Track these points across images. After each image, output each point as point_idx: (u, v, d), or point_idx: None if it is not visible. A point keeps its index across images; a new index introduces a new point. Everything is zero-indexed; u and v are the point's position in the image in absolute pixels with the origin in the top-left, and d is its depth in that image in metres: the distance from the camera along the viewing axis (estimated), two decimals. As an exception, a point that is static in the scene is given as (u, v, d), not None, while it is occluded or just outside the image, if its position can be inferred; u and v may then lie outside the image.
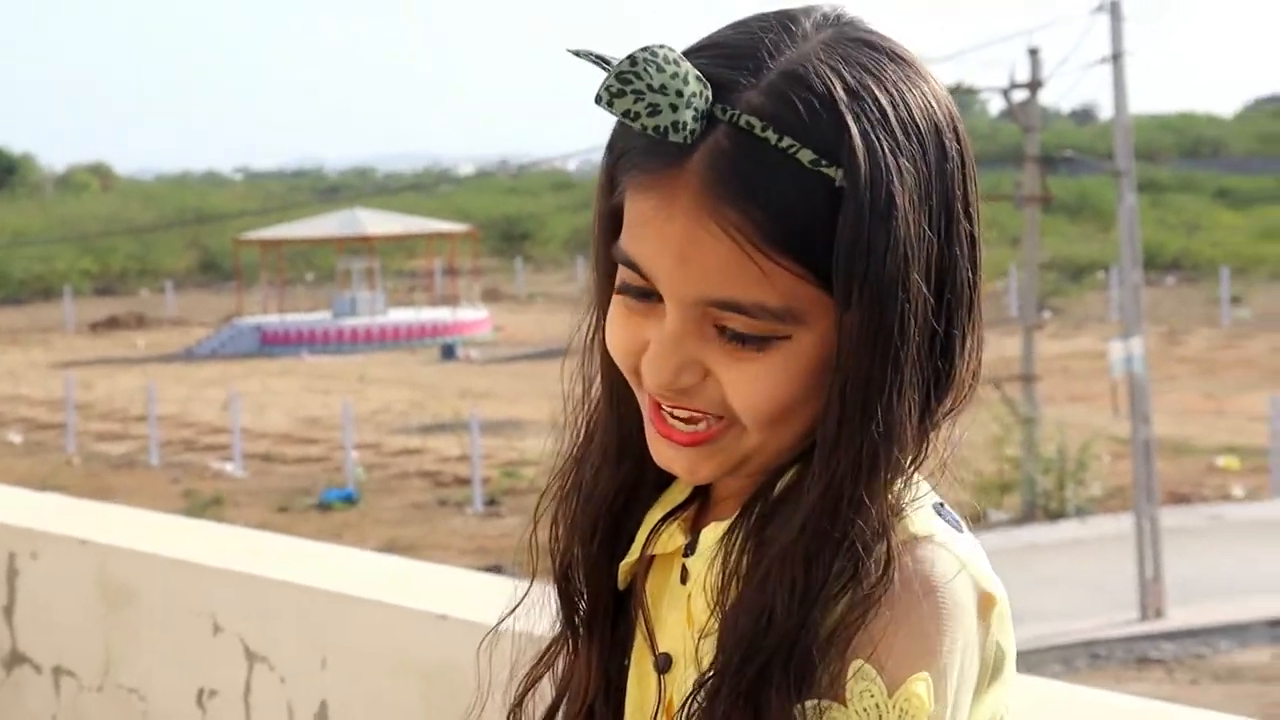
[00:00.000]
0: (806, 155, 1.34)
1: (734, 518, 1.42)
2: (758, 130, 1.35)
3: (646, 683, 1.48)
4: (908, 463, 1.38)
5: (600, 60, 1.37)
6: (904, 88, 1.39)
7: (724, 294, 1.36)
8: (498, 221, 63.66)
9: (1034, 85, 25.48)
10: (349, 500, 26.32)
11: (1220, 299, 46.50)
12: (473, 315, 46.38)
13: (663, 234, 1.37)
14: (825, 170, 1.34)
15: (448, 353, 41.71)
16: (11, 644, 3.60)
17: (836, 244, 1.33)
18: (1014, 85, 25.41)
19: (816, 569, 1.33)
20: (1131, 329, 21.95)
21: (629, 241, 1.40)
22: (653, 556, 1.50)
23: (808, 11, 1.42)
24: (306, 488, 27.92)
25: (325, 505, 26.30)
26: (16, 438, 35.74)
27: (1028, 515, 24.53)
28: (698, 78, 1.35)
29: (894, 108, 1.37)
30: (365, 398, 35.47)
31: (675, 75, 1.35)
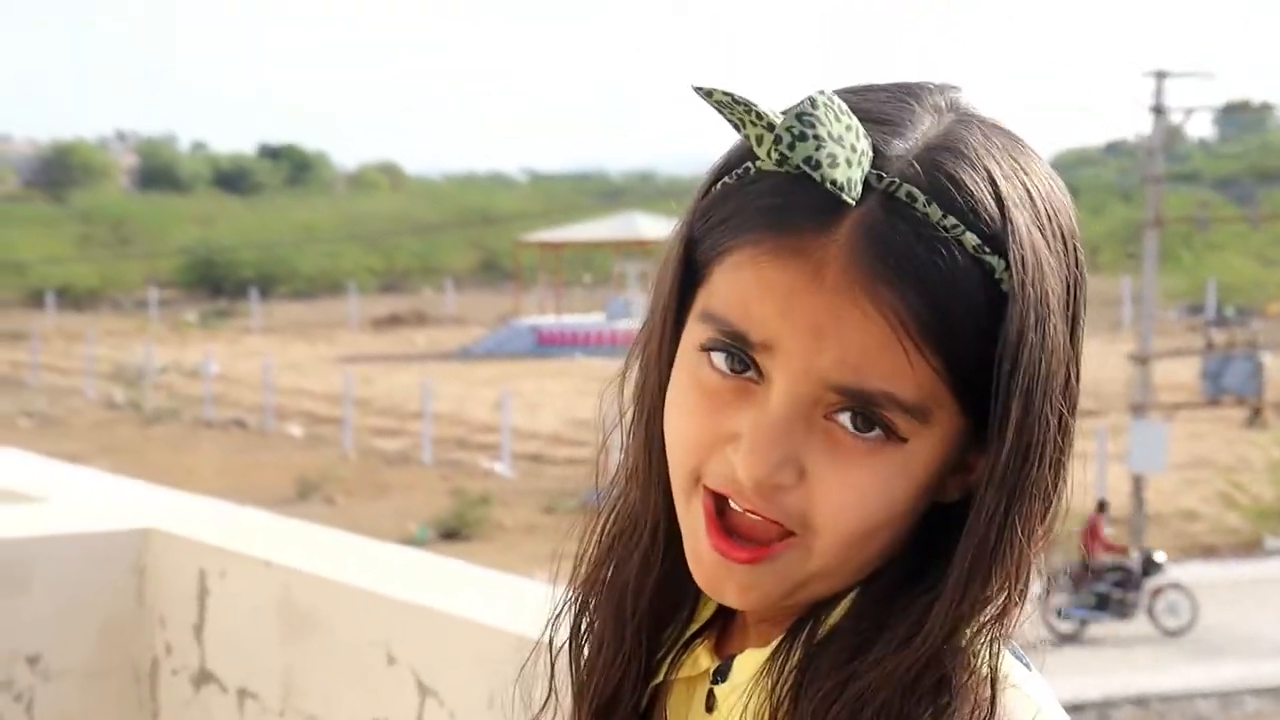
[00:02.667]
0: (971, 239, 1.19)
1: (776, 646, 1.26)
2: (920, 205, 1.19)
3: None
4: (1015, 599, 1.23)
5: (732, 100, 1.22)
6: (1048, 182, 1.25)
7: (857, 381, 1.19)
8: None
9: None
10: (614, 504, 26.48)
11: None
12: (746, 321, 46.39)
13: (800, 305, 1.19)
14: (988, 259, 1.19)
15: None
16: (200, 662, 3.58)
17: (1002, 349, 1.18)
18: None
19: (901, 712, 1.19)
20: None
21: (738, 304, 1.21)
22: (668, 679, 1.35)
23: (928, 87, 1.27)
24: (574, 489, 28.14)
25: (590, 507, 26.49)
26: (297, 431, 36.60)
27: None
28: (866, 135, 1.20)
29: (1042, 202, 1.23)
30: (636, 401, 35.68)
31: (850, 128, 1.20)
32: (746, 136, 1.22)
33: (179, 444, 35.13)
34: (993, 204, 1.20)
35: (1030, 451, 1.20)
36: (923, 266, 1.18)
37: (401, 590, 3.15)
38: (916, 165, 1.20)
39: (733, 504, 1.23)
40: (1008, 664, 1.22)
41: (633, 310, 45.38)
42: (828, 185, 1.18)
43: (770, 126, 1.21)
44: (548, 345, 44.80)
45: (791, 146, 1.19)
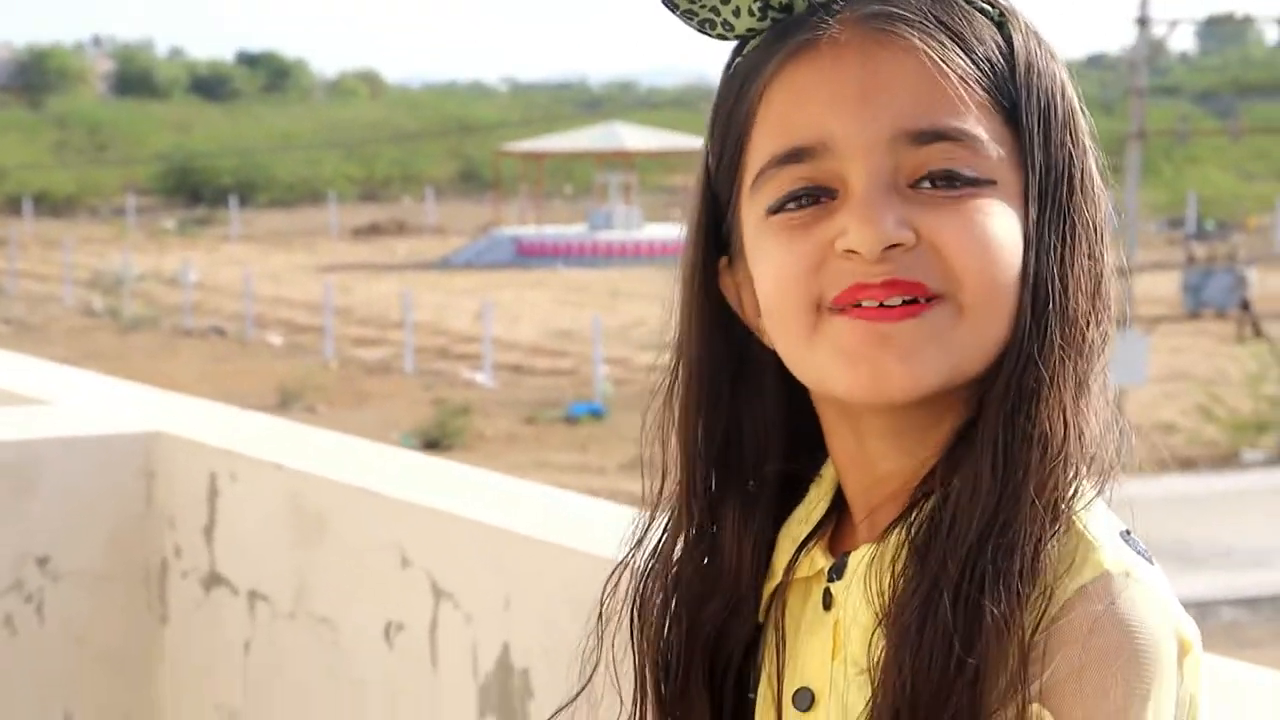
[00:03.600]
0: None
1: (883, 535, 1.27)
2: None
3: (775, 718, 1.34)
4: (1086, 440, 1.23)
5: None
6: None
7: (923, 121, 1.24)
8: (757, 139, 63.31)
9: None
10: (596, 414, 26.50)
11: None
12: (727, 232, 46.28)
13: (835, 83, 1.25)
14: (982, 3, 1.28)
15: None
16: (211, 564, 3.59)
17: (1016, 66, 1.26)
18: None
19: (993, 596, 1.18)
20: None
21: (781, 130, 1.27)
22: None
23: None
24: (555, 400, 28.17)
25: (572, 419, 26.51)
26: (276, 339, 36.53)
27: (1287, 456, 23.91)
28: None
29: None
30: (616, 312, 35.65)
31: None
32: (724, 22, 1.29)
33: (158, 352, 35.05)
34: None
35: (1058, 178, 1.25)
36: (930, 10, 1.26)
37: (415, 493, 3.16)
38: None
39: (865, 303, 1.25)
40: (1125, 557, 1.22)
41: (614, 221, 45.30)
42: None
43: None
44: (528, 256, 44.69)
45: None
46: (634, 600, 1.40)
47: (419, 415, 28.36)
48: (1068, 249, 1.25)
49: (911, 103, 1.23)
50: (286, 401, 29.33)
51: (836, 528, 1.36)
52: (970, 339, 1.24)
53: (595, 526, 2.93)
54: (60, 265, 45.28)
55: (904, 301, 1.23)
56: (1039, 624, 1.18)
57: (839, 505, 1.36)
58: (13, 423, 3.87)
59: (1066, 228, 1.25)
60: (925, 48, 1.23)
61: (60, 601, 3.70)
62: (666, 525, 1.38)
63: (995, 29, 1.27)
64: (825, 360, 1.27)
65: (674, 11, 1.29)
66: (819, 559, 1.34)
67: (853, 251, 1.24)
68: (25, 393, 4.25)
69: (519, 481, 3.26)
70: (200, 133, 71.32)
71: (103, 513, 3.71)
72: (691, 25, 1.30)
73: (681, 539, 1.38)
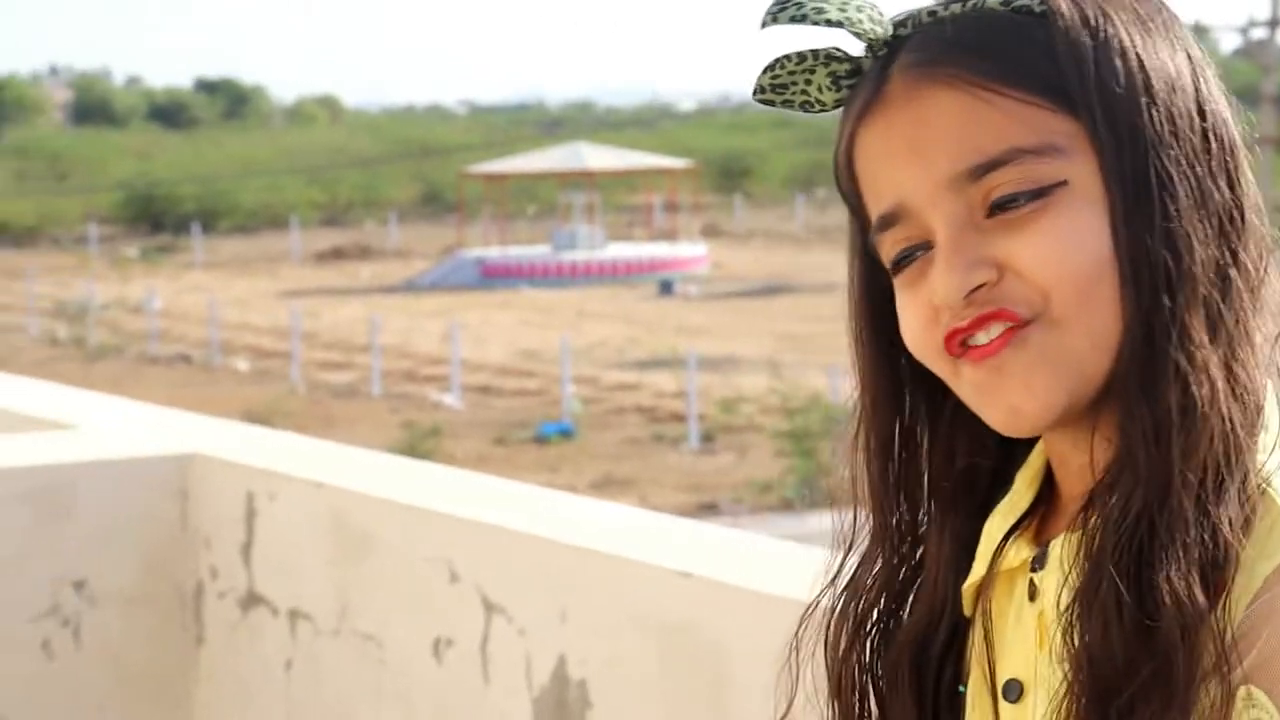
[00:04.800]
0: (995, 2, 1.29)
1: (1076, 519, 1.27)
2: (931, 13, 1.30)
3: (989, 712, 1.34)
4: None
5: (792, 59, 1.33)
6: None
7: (972, 157, 1.25)
8: (718, 157, 63.51)
9: (1274, 23, 24.82)
10: (566, 434, 26.48)
11: None
12: (691, 251, 46.36)
13: (889, 143, 1.28)
14: (1020, 2, 1.28)
15: (665, 288, 41.75)
16: (249, 584, 3.61)
17: (1059, 53, 1.26)
18: (1252, 23, 24.77)
19: (1166, 571, 1.18)
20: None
21: (871, 196, 1.31)
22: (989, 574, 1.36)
23: None
24: (524, 420, 28.12)
25: (542, 439, 26.48)
26: (243, 365, 36.43)
27: None
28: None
29: None
30: (583, 332, 35.65)
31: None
32: (818, 101, 1.34)
33: (124, 379, 34.91)
34: None
35: (1133, 140, 1.24)
36: (965, 36, 1.27)
37: (461, 508, 3.18)
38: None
39: (971, 342, 1.28)
40: None
41: (578, 241, 45.29)
42: (853, 32, 1.29)
43: (818, 57, 1.32)
44: (493, 277, 44.63)
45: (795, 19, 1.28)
46: (830, 630, 1.41)
47: (388, 438, 28.28)
48: (1166, 205, 1.24)
49: (958, 141, 1.26)
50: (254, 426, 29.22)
51: (1045, 516, 1.36)
52: (1080, 345, 1.25)
53: (648, 536, 2.95)
54: (23, 295, 45.09)
55: (1003, 330, 1.26)
56: (1239, 601, 1.17)
57: (1049, 493, 1.36)
58: (42, 447, 3.88)
59: (1157, 184, 1.24)
60: (963, 79, 1.26)
61: (97, 625, 3.70)
62: (863, 555, 1.40)
63: (1039, 21, 1.27)
64: (970, 399, 1.30)
65: (774, 105, 1.33)
66: (1024, 549, 1.34)
67: None
68: (50, 417, 4.26)
69: (563, 494, 3.29)
70: (160, 160, 71.11)
71: (137, 535, 3.72)
72: (796, 110, 1.34)
73: (880, 562, 1.39)
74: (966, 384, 1.29)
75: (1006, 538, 1.35)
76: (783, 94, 1.33)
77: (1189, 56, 1.29)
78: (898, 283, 1.31)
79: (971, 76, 1.26)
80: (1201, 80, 1.29)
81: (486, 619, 3.07)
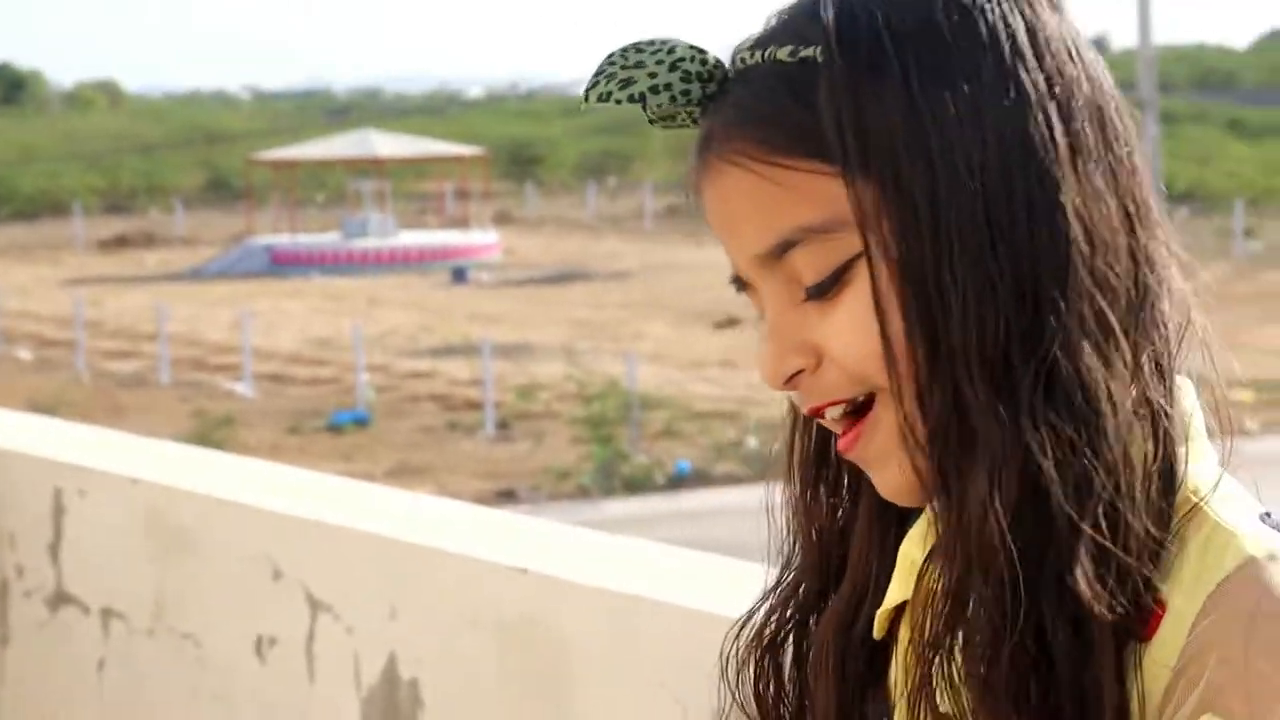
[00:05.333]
0: (783, 51, 1.19)
1: None
2: (741, 58, 1.22)
3: None
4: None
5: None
6: None
7: (767, 239, 1.19)
8: (508, 145, 63.33)
9: (1100, 42, 25.33)
10: (360, 422, 26.26)
11: (1233, 231, 46.29)
12: (483, 238, 46.22)
13: (710, 214, 1.23)
14: (805, 53, 1.18)
15: (458, 276, 41.56)
16: (57, 583, 3.48)
17: (822, 109, 1.16)
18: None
19: (1057, 620, 1.11)
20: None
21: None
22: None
23: None
24: (317, 409, 27.85)
25: (336, 427, 26.25)
26: (26, 354, 35.67)
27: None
28: (688, 46, 1.23)
29: None
30: (375, 320, 35.37)
31: (657, 51, 1.23)
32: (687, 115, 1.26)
33: (-99, 371, 34.02)
34: (808, 7, 1.20)
35: (897, 178, 1.15)
36: (750, 103, 1.20)
37: (284, 504, 3.09)
38: (760, 31, 1.23)
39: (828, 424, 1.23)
40: (1271, 540, 1.15)
41: (368, 228, 44.93)
42: (646, 111, 1.23)
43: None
44: (282, 265, 44.10)
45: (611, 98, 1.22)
46: (753, 647, 1.33)
47: (179, 427, 27.85)
48: (948, 240, 1.14)
49: (754, 223, 1.19)
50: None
51: None
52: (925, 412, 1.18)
53: (482, 531, 2.88)
54: None
55: (842, 414, 1.20)
56: (1173, 631, 1.12)
57: None
58: None
59: (933, 223, 1.14)
60: (749, 156, 1.19)
61: (-104, 628, 3.56)
62: (788, 565, 1.34)
63: (813, 71, 1.18)
64: None
65: (670, 125, 1.26)
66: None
67: None
68: None
69: (389, 489, 3.21)
70: (-64, 146, 69.41)
71: (-62, 534, 3.57)
72: (692, 124, 1.26)
73: (800, 562, 1.33)
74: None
75: (928, 560, 1.25)
76: (674, 121, 1.26)
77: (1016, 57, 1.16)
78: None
79: (756, 152, 1.18)
80: (1022, 85, 1.16)
81: (312, 617, 2.98)
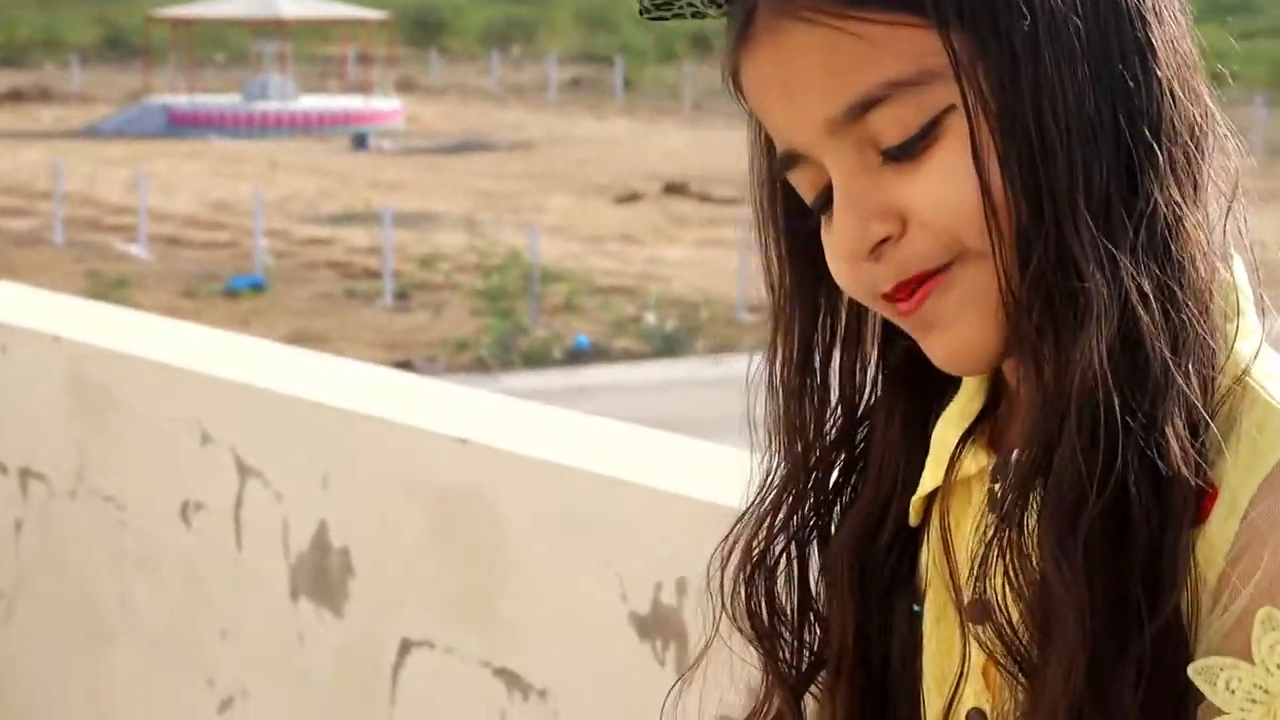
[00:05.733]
0: None
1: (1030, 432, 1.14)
2: None
3: (951, 634, 1.22)
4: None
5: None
6: None
7: (843, 98, 1.13)
8: (413, 10, 62.65)
9: None
10: (257, 288, 26.06)
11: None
12: (386, 105, 45.75)
13: (762, 85, 1.16)
14: None
15: (359, 142, 41.17)
16: (-26, 442, 3.41)
17: None
18: None
19: (1140, 488, 1.07)
20: None
21: (770, 131, 1.20)
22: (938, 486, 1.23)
23: None
24: (213, 273, 27.59)
25: (233, 292, 26.03)
26: (-84, 209, 35.09)
27: None
28: None
29: None
30: (274, 184, 35.02)
31: None
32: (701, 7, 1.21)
33: None
34: None
35: (995, 35, 1.11)
36: None
37: (215, 367, 3.03)
38: None
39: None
40: None
41: (269, 91, 44.36)
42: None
43: None
44: (180, 125, 43.50)
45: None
46: (739, 543, 1.28)
47: (73, 287, 27.51)
48: (1050, 85, 1.11)
49: (824, 82, 1.14)
50: (-70, 273, 28.30)
51: (1001, 418, 1.24)
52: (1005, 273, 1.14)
53: (420, 401, 2.84)
54: None
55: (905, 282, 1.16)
56: (1226, 515, 1.09)
57: (1002, 391, 1.24)
58: None
59: (1034, 69, 1.11)
60: (822, 11, 1.13)
61: None
62: (776, 471, 1.28)
63: None
64: (912, 334, 1.21)
65: (664, 19, 1.22)
66: (981, 456, 1.22)
67: None
68: None
69: (324, 356, 3.15)
70: None
71: None
72: (687, 20, 1.22)
73: (799, 475, 1.27)
74: (903, 323, 1.20)
75: (961, 444, 1.23)
76: (670, 9, 1.20)
77: None
78: (824, 223, 1.20)
79: (830, 6, 1.13)
80: None
81: (241, 482, 2.93)
